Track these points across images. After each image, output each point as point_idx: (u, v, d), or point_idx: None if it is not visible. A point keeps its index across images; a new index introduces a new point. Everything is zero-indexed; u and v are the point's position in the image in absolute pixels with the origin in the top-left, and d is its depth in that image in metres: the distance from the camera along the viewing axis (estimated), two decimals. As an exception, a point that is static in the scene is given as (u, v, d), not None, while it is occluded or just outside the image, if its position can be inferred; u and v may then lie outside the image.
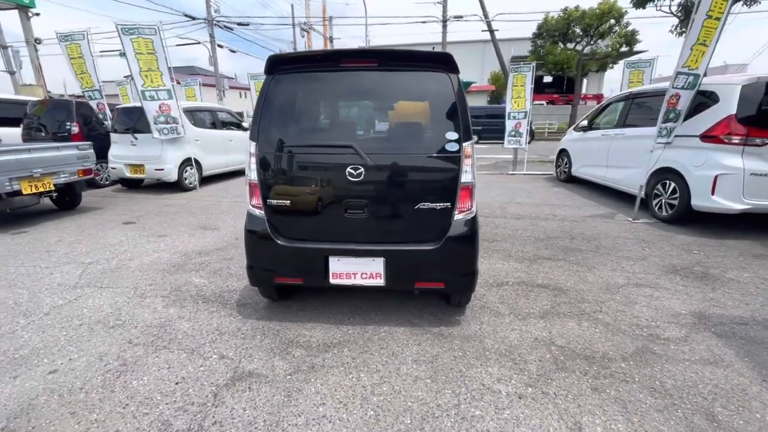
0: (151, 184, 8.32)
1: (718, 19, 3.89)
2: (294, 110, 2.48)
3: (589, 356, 2.31)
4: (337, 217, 2.39)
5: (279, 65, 2.40)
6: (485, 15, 22.80)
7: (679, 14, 13.81)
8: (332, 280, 2.46)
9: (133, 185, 8.08)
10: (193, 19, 22.13)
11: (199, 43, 24.43)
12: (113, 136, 7.54)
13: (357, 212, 2.36)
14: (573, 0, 20.27)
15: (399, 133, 2.47)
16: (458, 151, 2.29)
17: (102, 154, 7.40)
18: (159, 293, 3.15)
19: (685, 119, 4.60)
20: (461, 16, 24.26)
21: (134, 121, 7.33)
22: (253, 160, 2.42)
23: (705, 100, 4.45)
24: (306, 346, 2.41)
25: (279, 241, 2.45)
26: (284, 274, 2.55)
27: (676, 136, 4.63)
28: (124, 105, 8.14)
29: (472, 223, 2.40)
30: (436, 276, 2.45)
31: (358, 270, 2.45)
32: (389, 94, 2.50)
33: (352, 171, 2.30)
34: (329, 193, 2.40)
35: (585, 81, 24.41)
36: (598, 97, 33.16)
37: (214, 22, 22.17)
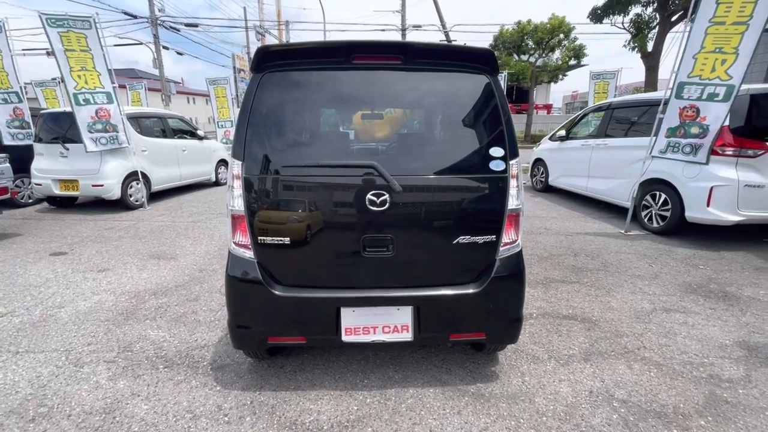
0: (86, 203, 7.14)
1: (737, 23, 3.71)
2: (292, 119, 1.91)
3: (660, 412, 1.94)
4: (353, 257, 1.86)
5: (271, 60, 1.83)
6: (443, 25, 23.19)
7: (631, 30, 14.68)
8: (345, 337, 1.92)
9: (63, 204, 6.85)
10: (135, 17, 20.35)
11: (141, 43, 22.58)
12: (37, 147, 6.36)
13: (379, 250, 1.84)
14: (525, 14, 21.07)
15: (430, 150, 1.97)
16: (504, 171, 1.85)
17: (22, 167, 6.21)
18: (102, 357, 2.39)
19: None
20: (420, 26, 24.58)
21: (64, 129, 6.22)
22: (238, 184, 1.81)
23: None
24: (316, 430, 1.83)
25: (274, 291, 1.86)
26: (281, 333, 1.95)
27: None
28: (51, 110, 6.93)
29: (519, 259, 1.97)
30: (477, 325, 1.98)
31: (378, 323, 1.92)
32: (417, 100, 2.02)
33: (374, 198, 1.77)
34: (342, 226, 1.87)
35: (534, 91, 25.64)
36: (548, 107, 34.98)
37: (159, 21, 20.50)
